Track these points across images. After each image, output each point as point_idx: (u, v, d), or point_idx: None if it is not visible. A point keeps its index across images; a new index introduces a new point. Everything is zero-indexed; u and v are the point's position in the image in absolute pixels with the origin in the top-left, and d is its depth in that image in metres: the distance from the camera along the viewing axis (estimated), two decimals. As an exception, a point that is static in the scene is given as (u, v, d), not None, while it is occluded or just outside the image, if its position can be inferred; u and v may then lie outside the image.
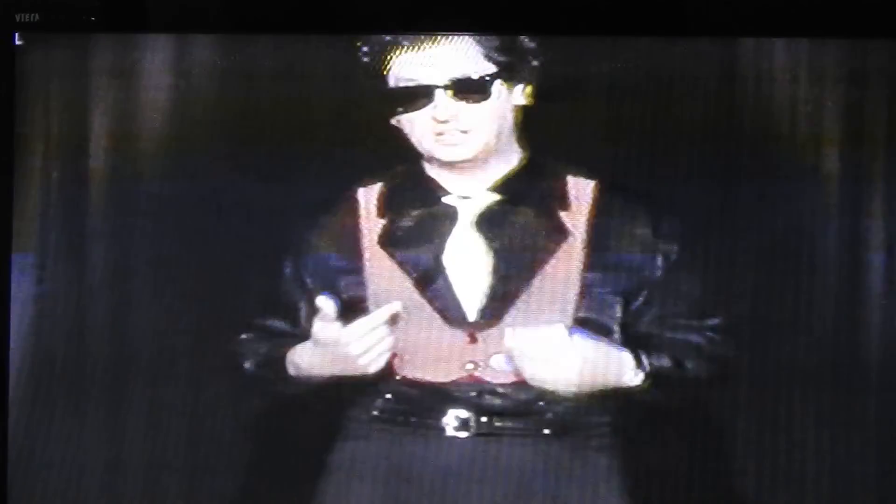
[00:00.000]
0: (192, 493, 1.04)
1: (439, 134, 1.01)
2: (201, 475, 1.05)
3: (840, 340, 1.01)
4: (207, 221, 1.05)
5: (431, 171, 1.04)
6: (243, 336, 1.04)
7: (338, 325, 1.00)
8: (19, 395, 1.06)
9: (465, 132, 1.01)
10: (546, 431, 1.01)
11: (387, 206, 1.04)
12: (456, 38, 1.01)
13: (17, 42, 1.05)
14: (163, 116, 1.05)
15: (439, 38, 1.01)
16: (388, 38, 1.02)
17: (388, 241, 1.03)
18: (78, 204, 1.06)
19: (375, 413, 1.03)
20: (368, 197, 1.04)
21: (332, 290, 1.02)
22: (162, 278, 1.05)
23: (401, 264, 1.02)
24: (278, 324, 1.05)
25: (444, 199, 1.03)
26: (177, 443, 1.05)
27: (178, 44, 1.05)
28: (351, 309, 1.02)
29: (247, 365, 1.04)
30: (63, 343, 1.06)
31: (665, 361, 1.01)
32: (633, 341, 1.01)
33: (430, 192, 1.03)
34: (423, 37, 1.01)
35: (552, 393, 1.00)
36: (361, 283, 1.03)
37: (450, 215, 1.03)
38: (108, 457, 1.05)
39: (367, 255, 1.03)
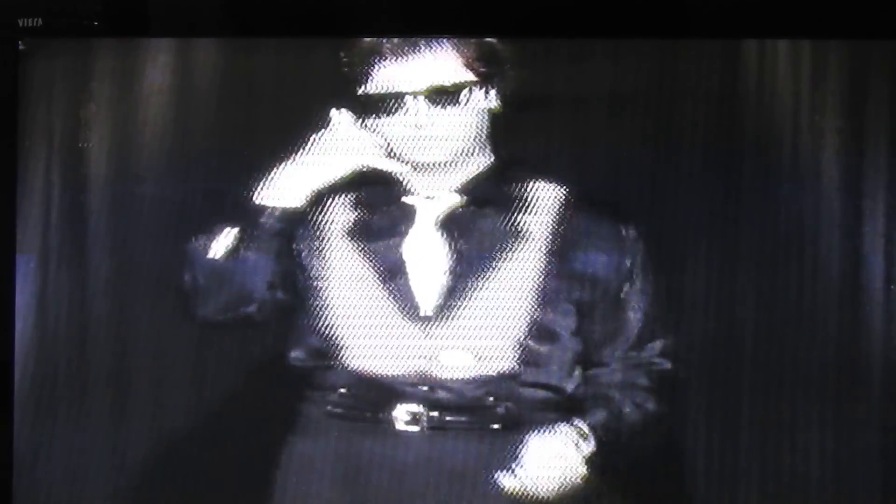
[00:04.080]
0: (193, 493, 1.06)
1: (414, 137, 1.03)
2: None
3: (842, 344, 1.00)
4: (207, 223, 1.06)
5: (401, 170, 1.05)
6: (213, 330, 1.06)
7: None
8: (23, 396, 1.07)
9: (439, 136, 1.03)
10: (494, 426, 1.02)
11: (354, 202, 1.05)
12: (433, 43, 1.03)
13: (21, 47, 1.07)
14: (164, 120, 1.06)
15: (418, 42, 1.03)
16: (367, 41, 1.04)
17: (352, 234, 1.05)
18: (81, 207, 1.07)
19: (329, 407, 1.04)
20: (337, 192, 1.05)
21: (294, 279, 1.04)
22: (163, 280, 1.06)
23: (362, 258, 1.04)
24: (250, 315, 1.06)
25: (410, 199, 1.05)
26: (180, 445, 1.05)
27: (179, 48, 1.06)
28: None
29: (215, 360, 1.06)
30: (65, 345, 1.07)
31: (622, 365, 1.03)
32: (584, 348, 1.03)
33: (396, 191, 1.05)
34: (401, 41, 1.03)
35: (501, 389, 1.02)
36: (323, 274, 1.04)
37: (413, 214, 1.05)
38: (111, 461, 1.06)
39: (330, 246, 1.05)
